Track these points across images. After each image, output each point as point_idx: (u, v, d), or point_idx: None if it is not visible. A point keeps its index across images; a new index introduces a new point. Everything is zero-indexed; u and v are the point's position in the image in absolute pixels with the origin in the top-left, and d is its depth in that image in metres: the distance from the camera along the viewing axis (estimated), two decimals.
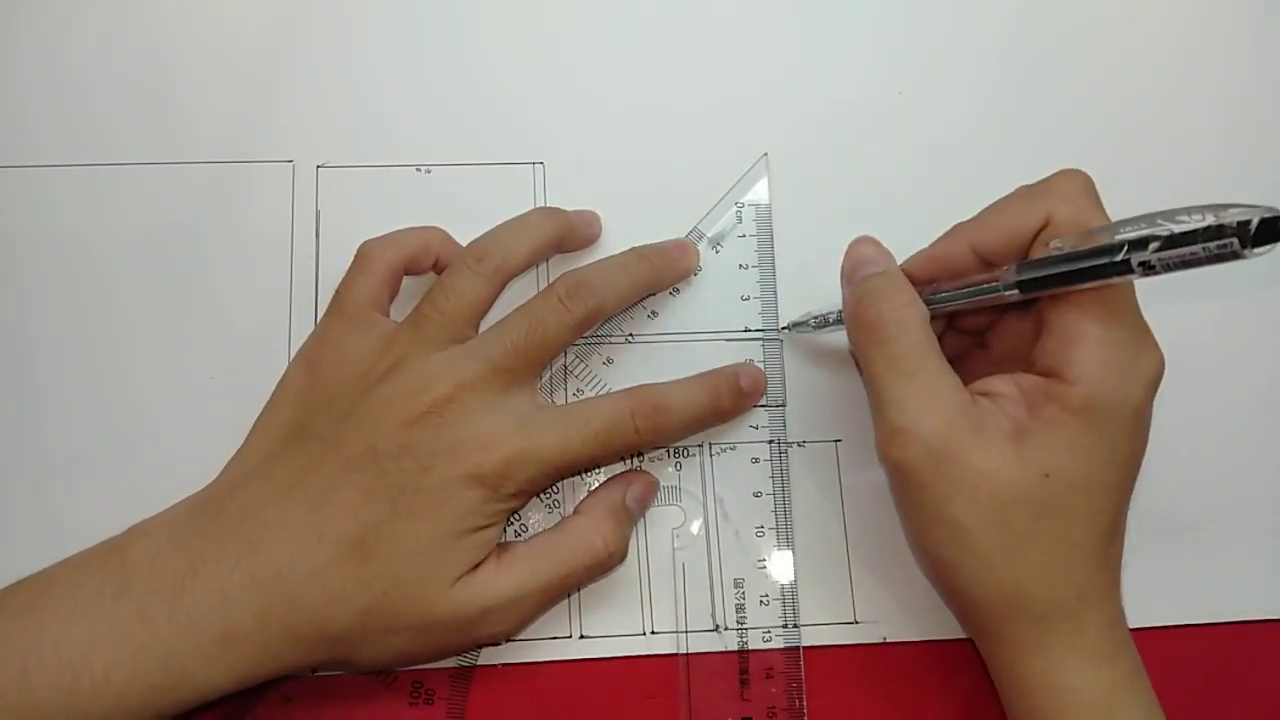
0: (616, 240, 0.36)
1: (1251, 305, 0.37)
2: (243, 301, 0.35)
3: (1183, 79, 0.39)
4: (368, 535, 0.29)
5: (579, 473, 0.34)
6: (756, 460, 0.34)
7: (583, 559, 0.31)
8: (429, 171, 0.37)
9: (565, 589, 0.31)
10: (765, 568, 0.33)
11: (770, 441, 0.35)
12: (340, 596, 0.28)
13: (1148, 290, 0.38)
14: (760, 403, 0.35)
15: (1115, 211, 0.38)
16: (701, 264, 0.36)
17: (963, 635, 0.33)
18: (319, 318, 0.35)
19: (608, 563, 0.31)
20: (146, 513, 0.33)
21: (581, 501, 0.33)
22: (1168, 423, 0.36)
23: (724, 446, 0.34)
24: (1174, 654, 0.33)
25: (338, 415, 0.30)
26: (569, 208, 0.36)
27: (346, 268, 0.35)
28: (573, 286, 0.32)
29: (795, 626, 0.33)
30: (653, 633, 0.33)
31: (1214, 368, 0.36)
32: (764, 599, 0.33)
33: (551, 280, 0.33)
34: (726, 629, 0.33)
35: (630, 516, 0.33)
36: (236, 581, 0.28)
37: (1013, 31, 0.40)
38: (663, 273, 0.35)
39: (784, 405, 0.35)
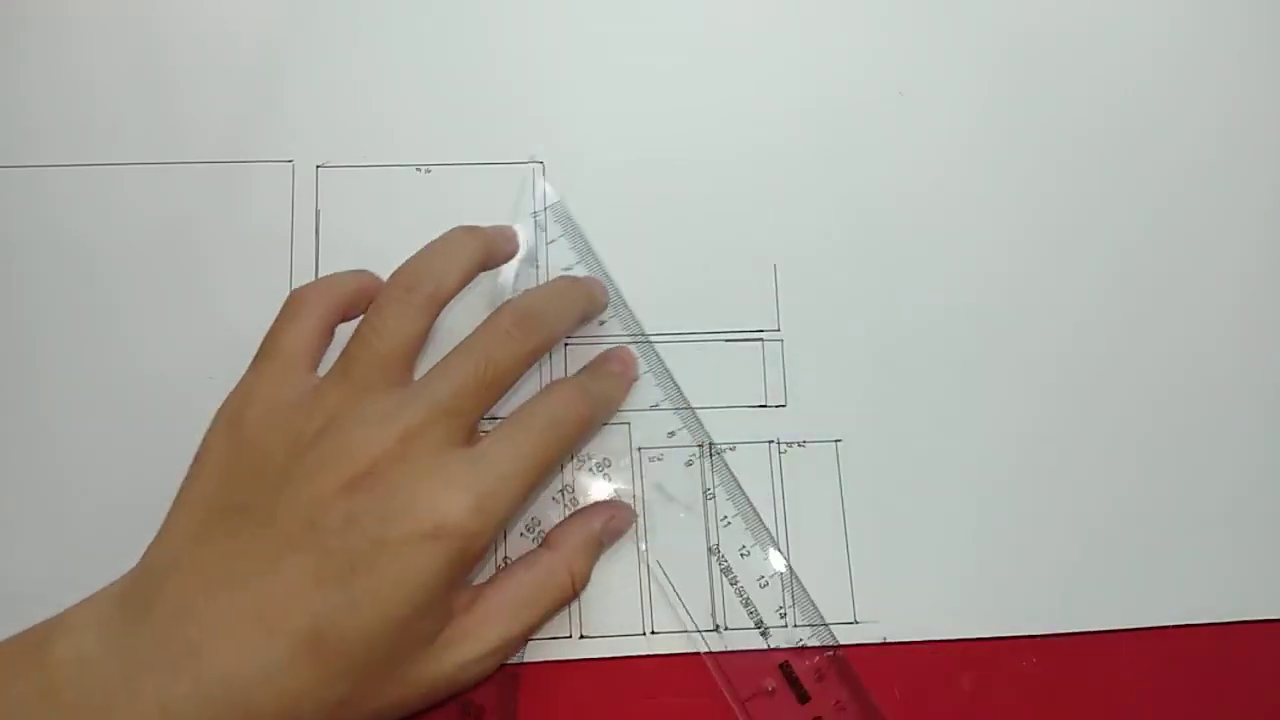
0: (616, 241, 0.36)
1: (1257, 305, 0.37)
2: (243, 301, 0.35)
3: (1183, 79, 0.39)
4: (323, 625, 0.25)
5: (553, 474, 0.33)
6: (756, 460, 0.34)
7: (556, 599, 0.30)
8: (429, 171, 0.37)
9: (538, 629, 0.30)
10: (766, 567, 0.34)
11: (770, 441, 0.35)
12: (303, 696, 0.25)
13: (1151, 291, 0.38)
14: (761, 403, 0.35)
15: (1116, 210, 0.38)
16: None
17: (963, 635, 0.33)
18: None
19: (573, 599, 0.30)
20: (147, 512, 0.33)
21: (553, 531, 0.31)
22: (1173, 424, 0.36)
23: (723, 446, 0.34)
24: (1174, 654, 0.33)
25: (269, 486, 0.26)
26: (568, 208, 0.36)
27: (346, 268, 0.35)
28: (520, 316, 0.29)
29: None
30: (653, 633, 0.33)
31: (1218, 370, 0.36)
32: (782, 602, 0.33)
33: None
34: (727, 629, 0.33)
35: (601, 548, 0.31)
36: (179, 692, 0.24)
37: (1013, 31, 0.39)
38: (594, 304, 0.34)
39: (784, 405, 0.35)
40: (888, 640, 0.33)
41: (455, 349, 0.29)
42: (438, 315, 0.30)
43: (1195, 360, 0.36)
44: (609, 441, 0.34)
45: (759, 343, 0.35)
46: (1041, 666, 0.33)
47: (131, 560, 0.33)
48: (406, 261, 0.30)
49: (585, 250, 0.36)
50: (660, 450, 0.34)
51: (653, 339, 0.35)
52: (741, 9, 0.39)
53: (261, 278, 0.35)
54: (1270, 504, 0.35)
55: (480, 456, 0.27)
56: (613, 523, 0.32)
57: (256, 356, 0.29)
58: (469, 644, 0.27)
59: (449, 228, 0.35)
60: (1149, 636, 0.33)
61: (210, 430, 0.29)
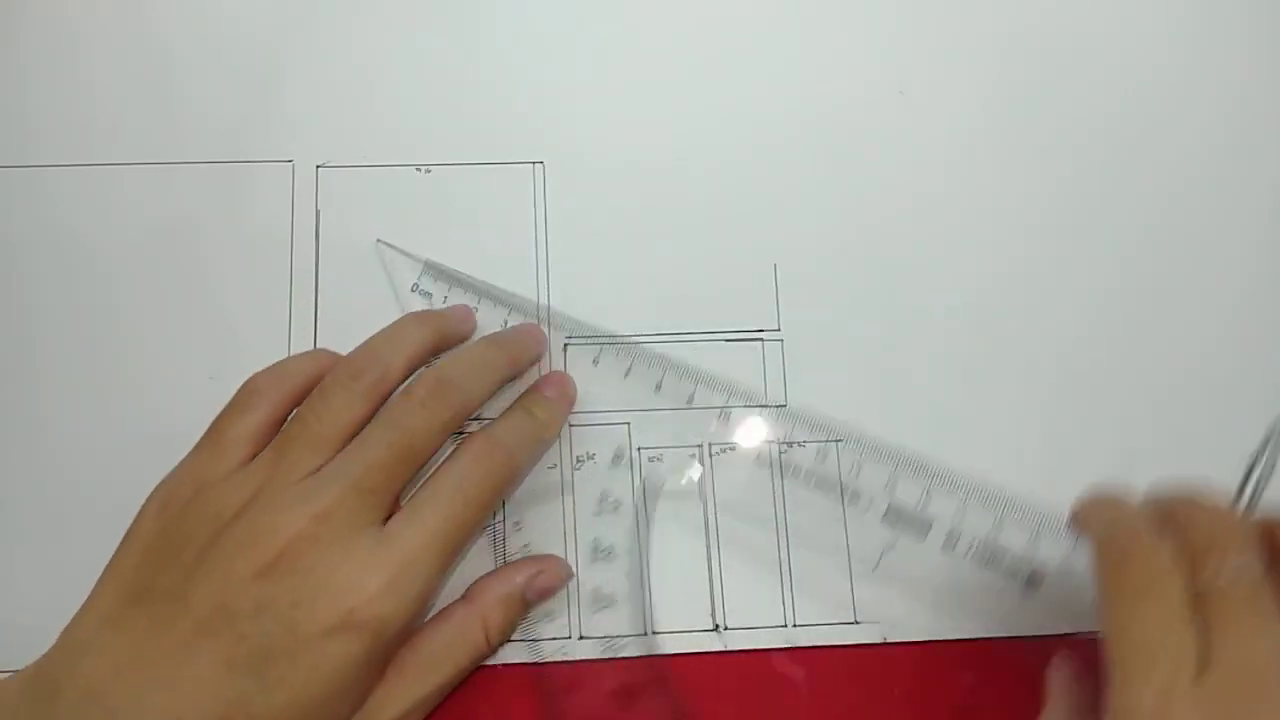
0: (617, 242, 0.36)
1: (1258, 305, 0.37)
2: (243, 301, 0.35)
3: (1184, 79, 0.39)
4: (233, 712, 0.25)
5: (469, 543, 0.31)
6: (756, 460, 0.34)
7: (469, 656, 0.29)
8: (429, 171, 0.37)
9: (452, 685, 0.29)
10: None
11: (770, 441, 0.35)
12: None
13: (1152, 291, 0.38)
14: (761, 403, 0.35)
15: (1116, 209, 0.38)
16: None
17: (963, 635, 0.33)
18: (318, 321, 0.35)
19: (488, 655, 0.30)
20: None
21: (474, 584, 0.31)
22: (1175, 426, 0.36)
23: (723, 446, 0.34)
24: None
25: (185, 569, 0.26)
26: (569, 208, 0.36)
27: (346, 268, 0.35)
28: (434, 386, 0.29)
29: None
30: (654, 633, 0.33)
31: (1218, 370, 0.36)
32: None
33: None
34: (727, 629, 0.33)
35: (525, 607, 0.30)
36: None
37: (1013, 31, 0.39)
38: (518, 359, 0.33)
39: (784, 405, 0.35)
40: (888, 640, 0.33)
41: (371, 422, 0.29)
42: (381, 402, 0.29)
43: (1196, 362, 0.36)
44: (610, 441, 0.34)
45: (759, 343, 0.35)
46: (1042, 666, 0.33)
47: None
48: (356, 348, 0.30)
49: (485, 290, 0.35)
50: (660, 450, 0.34)
51: (653, 339, 0.35)
52: (742, 9, 0.39)
53: (261, 278, 0.35)
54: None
55: (391, 537, 0.27)
56: (540, 578, 0.31)
57: (199, 441, 0.29)
58: (380, 712, 0.27)
59: (448, 229, 0.36)
60: None
61: (140, 510, 0.28)
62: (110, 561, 0.28)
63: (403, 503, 0.29)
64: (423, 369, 0.31)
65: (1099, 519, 0.27)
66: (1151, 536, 0.25)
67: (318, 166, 0.36)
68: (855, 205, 0.37)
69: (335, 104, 0.37)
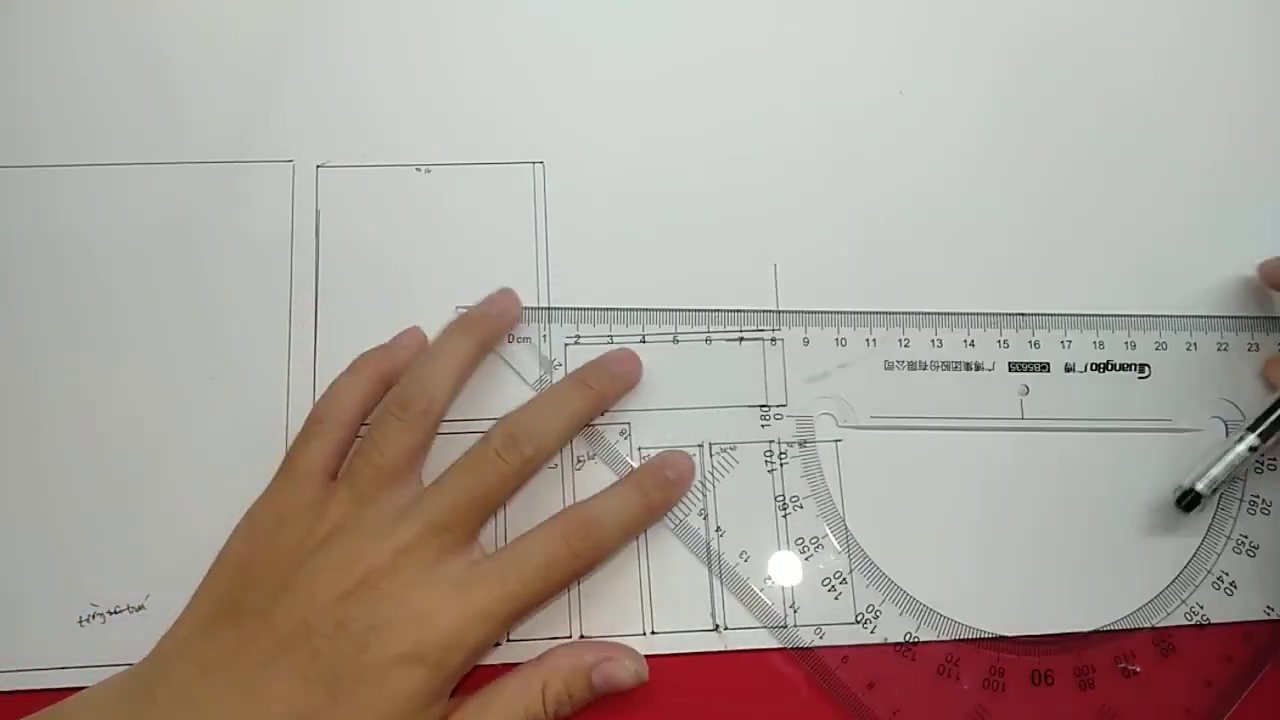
0: (616, 243, 0.36)
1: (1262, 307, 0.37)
2: (243, 301, 0.35)
3: (1186, 79, 0.39)
4: None
5: (529, 615, 0.32)
6: (756, 460, 0.34)
7: (523, 715, 0.30)
8: (429, 171, 0.37)
9: None
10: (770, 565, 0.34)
11: (770, 441, 0.35)
12: None
13: (1153, 292, 0.38)
14: (761, 403, 0.35)
15: (1112, 211, 0.38)
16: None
17: (963, 635, 0.33)
18: (318, 321, 0.35)
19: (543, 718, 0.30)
20: (144, 512, 0.33)
21: (549, 650, 0.31)
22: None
23: (723, 446, 0.34)
24: (1175, 654, 0.33)
25: (272, 589, 0.29)
26: (569, 208, 0.36)
27: (346, 269, 0.35)
28: (509, 439, 0.31)
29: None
30: (653, 633, 0.33)
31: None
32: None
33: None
34: (727, 629, 0.33)
35: (590, 687, 0.30)
36: None
37: (1014, 31, 0.39)
38: (605, 395, 0.33)
39: (784, 405, 0.35)
40: (888, 640, 0.33)
41: (450, 468, 0.31)
42: (436, 426, 0.32)
43: (1204, 376, 0.36)
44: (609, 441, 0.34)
45: (759, 343, 0.35)
46: (1043, 667, 0.33)
47: (124, 558, 0.33)
48: (405, 375, 0.32)
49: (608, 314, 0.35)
50: (660, 450, 0.34)
51: (653, 339, 0.35)
52: (742, 9, 0.39)
53: (261, 278, 0.35)
54: None
55: (470, 585, 0.29)
56: (609, 665, 0.31)
57: (277, 473, 0.32)
58: None
59: (448, 229, 0.36)
60: (1150, 636, 0.33)
61: (232, 534, 0.31)
62: (203, 581, 0.30)
63: (486, 549, 0.31)
64: (501, 419, 0.32)
65: None
66: None
67: (318, 166, 0.36)
68: (855, 205, 0.37)
69: (335, 104, 0.37)
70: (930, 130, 0.38)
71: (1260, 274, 0.36)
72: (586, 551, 0.31)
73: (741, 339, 0.35)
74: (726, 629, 0.33)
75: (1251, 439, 0.33)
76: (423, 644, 0.28)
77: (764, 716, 0.32)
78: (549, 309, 0.35)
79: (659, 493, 0.32)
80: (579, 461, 0.34)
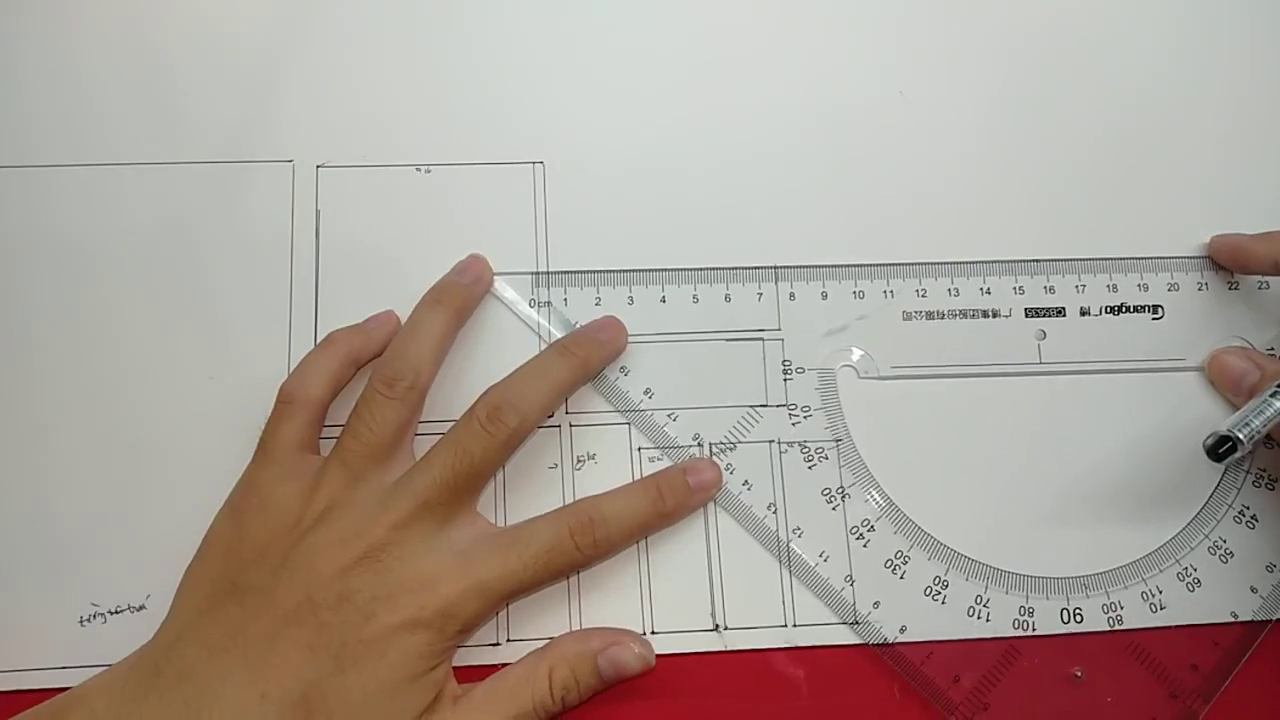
0: (616, 243, 0.36)
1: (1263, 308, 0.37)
2: (243, 301, 0.35)
3: (1186, 80, 0.39)
4: (312, 692, 0.28)
5: (527, 595, 0.32)
6: (756, 460, 0.34)
7: (531, 700, 0.30)
8: (429, 171, 0.37)
9: None
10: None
11: (770, 441, 0.35)
12: None
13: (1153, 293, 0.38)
14: (761, 403, 0.35)
15: (1111, 211, 0.38)
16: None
17: (963, 635, 0.33)
18: (318, 321, 0.35)
19: (550, 704, 0.30)
20: (145, 512, 0.33)
21: (555, 639, 0.32)
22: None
23: (723, 446, 0.34)
24: (1176, 653, 0.34)
25: (271, 567, 0.29)
26: (569, 208, 0.36)
27: (346, 269, 0.35)
28: (493, 409, 0.31)
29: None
30: (653, 633, 0.33)
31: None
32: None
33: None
34: (727, 629, 0.33)
35: (597, 673, 0.31)
36: None
37: (1014, 31, 0.39)
38: (589, 362, 0.34)
39: (784, 405, 0.35)
40: (888, 640, 0.33)
41: (438, 442, 0.31)
42: (422, 400, 0.33)
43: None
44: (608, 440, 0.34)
45: (759, 343, 0.35)
46: (1044, 666, 0.33)
47: (124, 557, 0.33)
48: (385, 352, 0.33)
49: (601, 278, 0.35)
50: (660, 450, 0.34)
51: (653, 339, 0.35)
52: (742, 10, 0.39)
53: (261, 278, 0.35)
54: None
55: (473, 558, 0.30)
56: (615, 649, 0.31)
57: (256, 454, 0.32)
58: None
59: (448, 229, 0.36)
60: (1150, 636, 0.33)
61: (216, 518, 0.31)
62: (190, 567, 0.31)
63: (493, 521, 0.32)
64: (485, 391, 0.32)
65: None
66: None
67: (318, 166, 0.36)
68: (855, 206, 0.37)
69: (335, 104, 0.37)
70: (930, 130, 0.38)
71: (1210, 251, 0.37)
72: (589, 548, 0.31)
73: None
74: (726, 629, 0.33)
75: None
76: (425, 609, 0.29)
77: (764, 716, 0.32)
78: (535, 274, 0.36)
79: (674, 499, 0.33)
80: (579, 461, 0.34)
